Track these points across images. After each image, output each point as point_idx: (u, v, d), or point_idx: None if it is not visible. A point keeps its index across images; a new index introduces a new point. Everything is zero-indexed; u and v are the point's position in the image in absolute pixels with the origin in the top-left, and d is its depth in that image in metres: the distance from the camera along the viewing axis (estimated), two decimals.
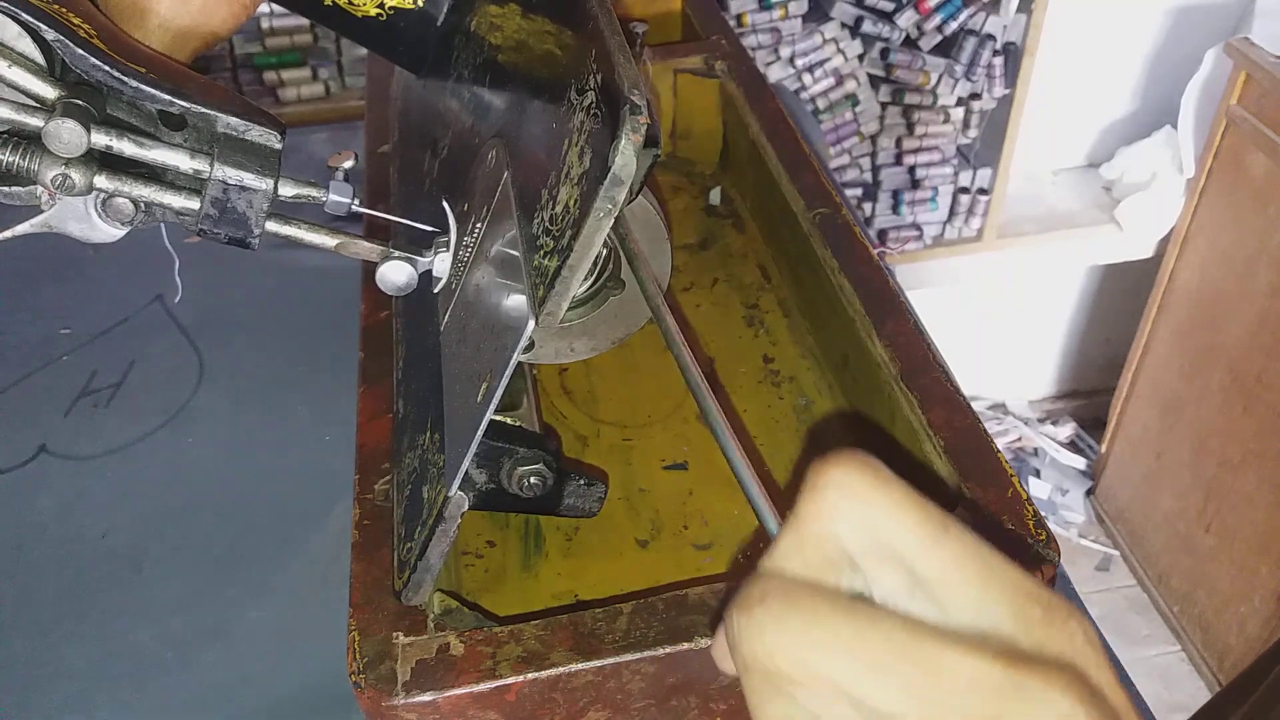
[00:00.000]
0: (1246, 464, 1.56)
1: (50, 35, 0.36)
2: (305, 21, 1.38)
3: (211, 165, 0.39)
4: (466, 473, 0.41)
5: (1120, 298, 2.01)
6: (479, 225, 0.45)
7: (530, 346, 0.38)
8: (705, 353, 0.67)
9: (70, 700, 0.60)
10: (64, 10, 0.36)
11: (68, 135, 0.36)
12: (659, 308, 0.42)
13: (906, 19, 1.49)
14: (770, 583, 0.25)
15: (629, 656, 0.42)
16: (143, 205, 0.39)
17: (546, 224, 0.38)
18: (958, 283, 1.81)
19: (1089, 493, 2.02)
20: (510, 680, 0.42)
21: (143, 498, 0.71)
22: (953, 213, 1.70)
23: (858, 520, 0.25)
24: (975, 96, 1.59)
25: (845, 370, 0.61)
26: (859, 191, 1.66)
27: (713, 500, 0.58)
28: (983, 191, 1.68)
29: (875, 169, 1.64)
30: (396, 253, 0.43)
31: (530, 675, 0.42)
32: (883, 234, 1.70)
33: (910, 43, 1.52)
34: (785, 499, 0.57)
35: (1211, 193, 1.57)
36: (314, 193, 0.42)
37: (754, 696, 0.26)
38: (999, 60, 1.55)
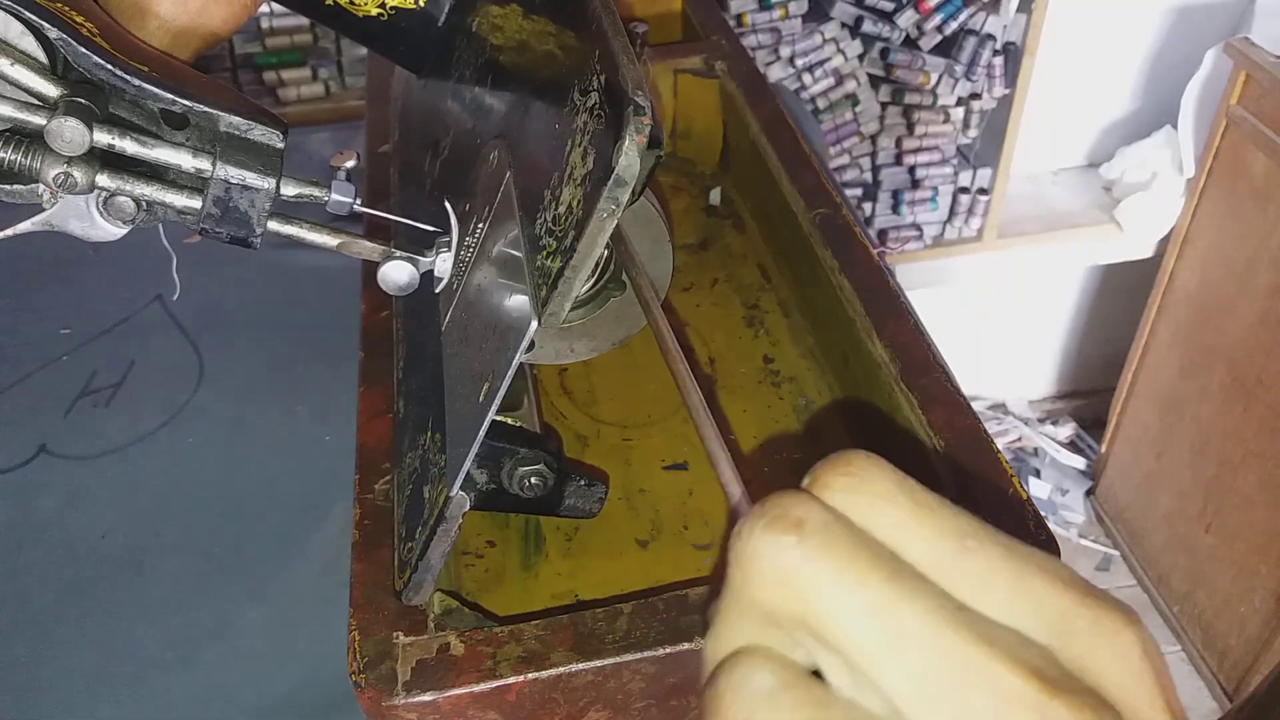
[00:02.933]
0: (1246, 464, 1.56)
1: (53, 34, 0.36)
2: (305, 21, 1.38)
3: (214, 164, 0.39)
4: (468, 473, 0.41)
5: (1120, 298, 2.01)
6: (481, 225, 0.45)
7: (531, 347, 0.38)
8: (705, 352, 0.67)
9: (70, 700, 0.60)
10: (67, 9, 0.36)
11: (70, 134, 0.35)
12: (655, 316, 0.42)
13: (906, 19, 1.49)
14: (812, 509, 0.22)
15: (629, 656, 0.42)
16: (144, 204, 0.39)
17: (549, 224, 0.38)
18: (958, 283, 1.81)
19: (1089, 493, 2.02)
20: (510, 680, 0.42)
21: (143, 498, 0.71)
22: (953, 213, 1.70)
23: (879, 519, 0.22)
24: (975, 96, 1.59)
25: (845, 370, 0.61)
26: (859, 191, 1.66)
27: (713, 500, 0.58)
28: (983, 191, 1.68)
29: (875, 169, 1.64)
30: (398, 252, 0.43)
31: (530, 675, 0.42)
32: (883, 234, 1.70)
33: (910, 43, 1.52)
34: None
35: (1211, 193, 1.57)
36: (316, 192, 0.42)
37: (730, 614, 0.23)
38: (999, 60, 1.55)
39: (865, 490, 0.23)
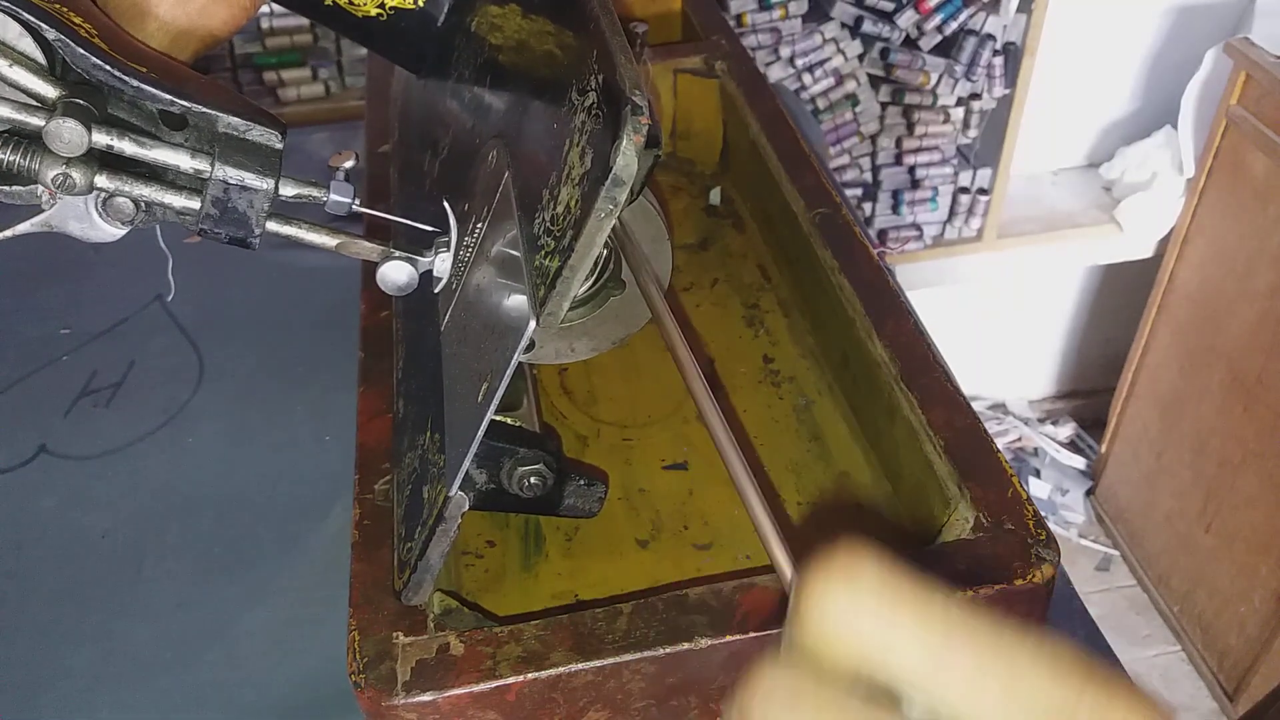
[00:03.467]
0: (1246, 464, 1.56)
1: (51, 35, 0.36)
2: (305, 21, 1.38)
3: (212, 165, 0.39)
4: (467, 473, 0.41)
5: (1120, 298, 2.01)
6: (479, 225, 0.45)
7: (531, 347, 0.38)
8: (705, 353, 0.67)
9: (70, 700, 0.60)
10: (65, 10, 0.36)
11: (69, 135, 0.35)
12: (660, 311, 0.42)
13: (906, 19, 1.49)
14: (774, 685, 0.23)
15: (629, 656, 0.42)
16: (143, 205, 0.39)
17: (547, 224, 0.38)
18: (958, 283, 1.81)
19: (1089, 493, 2.02)
20: (510, 680, 0.42)
21: (143, 498, 0.71)
22: (953, 213, 1.70)
23: (864, 619, 0.22)
24: (975, 96, 1.59)
25: (845, 370, 0.61)
26: (859, 191, 1.66)
27: (713, 500, 0.58)
28: (983, 191, 1.68)
29: (875, 169, 1.64)
30: (397, 253, 0.43)
31: (530, 675, 0.42)
32: (883, 234, 1.70)
33: (910, 43, 1.52)
34: (782, 502, 0.57)
35: (1211, 193, 1.57)
36: (315, 192, 0.42)
37: None
38: (999, 60, 1.55)
39: (850, 590, 0.23)
